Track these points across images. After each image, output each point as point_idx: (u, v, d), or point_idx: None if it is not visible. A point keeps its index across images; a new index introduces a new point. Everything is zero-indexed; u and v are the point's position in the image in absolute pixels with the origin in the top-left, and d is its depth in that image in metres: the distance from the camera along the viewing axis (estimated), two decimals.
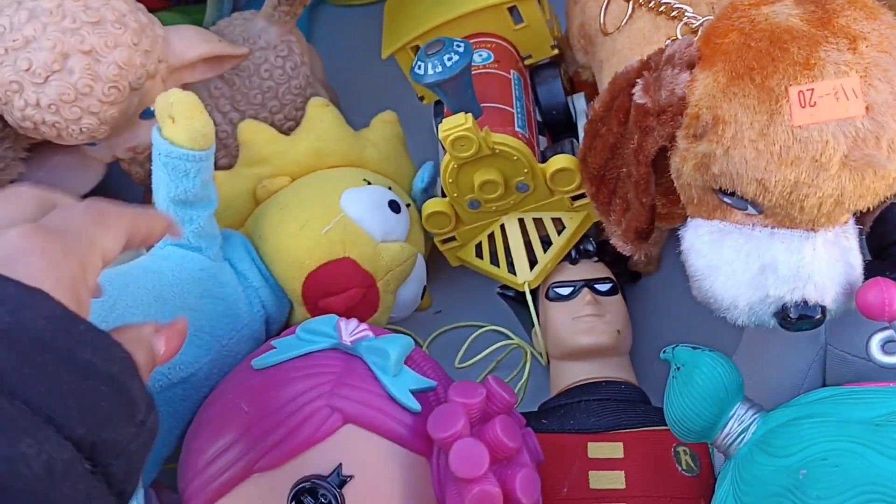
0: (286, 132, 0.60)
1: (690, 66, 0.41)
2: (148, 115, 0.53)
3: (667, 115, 0.41)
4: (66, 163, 0.57)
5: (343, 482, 0.43)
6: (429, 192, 0.60)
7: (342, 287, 0.52)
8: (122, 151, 0.55)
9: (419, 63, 0.52)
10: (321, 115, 0.59)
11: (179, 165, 0.48)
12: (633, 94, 0.43)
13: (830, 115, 0.36)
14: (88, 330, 0.28)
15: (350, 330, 0.48)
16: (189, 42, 0.54)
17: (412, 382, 0.46)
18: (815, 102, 0.36)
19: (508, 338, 0.60)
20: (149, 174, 0.60)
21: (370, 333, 0.48)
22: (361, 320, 0.54)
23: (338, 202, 0.54)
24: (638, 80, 0.43)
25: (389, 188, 0.58)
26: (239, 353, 0.52)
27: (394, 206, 0.56)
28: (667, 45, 0.43)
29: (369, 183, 0.57)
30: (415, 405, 0.45)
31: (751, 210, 0.41)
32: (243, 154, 0.57)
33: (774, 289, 0.40)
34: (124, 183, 0.62)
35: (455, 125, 0.51)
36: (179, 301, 0.49)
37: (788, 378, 0.50)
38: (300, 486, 0.43)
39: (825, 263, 0.40)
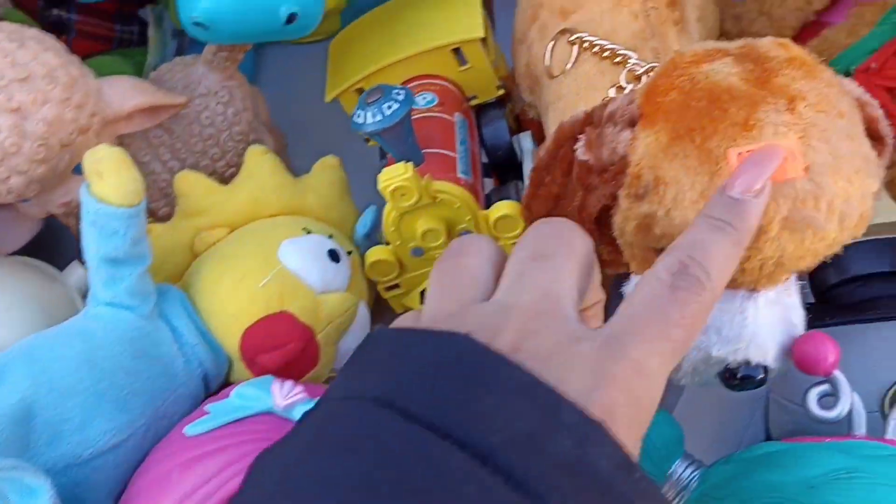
0: (229, 179, 0.58)
1: (632, 123, 0.40)
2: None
3: (609, 173, 0.40)
4: None
5: None
6: (372, 237, 0.59)
7: (280, 342, 0.51)
8: (56, 207, 0.53)
9: (358, 112, 0.51)
10: (259, 164, 0.57)
11: (108, 223, 0.46)
12: (575, 150, 0.42)
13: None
14: (643, 479, 0.24)
15: (285, 393, 0.46)
16: (123, 93, 0.52)
17: None
18: None
19: None
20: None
21: (306, 396, 0.46)
22: (302, 374, 0.53)
23: (275, 254, 0.53)
24: (580, 136, 0.42)
25: (330, 236, 0.56)
26: (175, 413, 0.50)
27: (333, 256, 0.54)
28: (609, 100, 0.42)
29: (309, 232, 0.55)
30: None
31: None
32: (181, 206, 0.55)
33: (717, 350, 0.39)
34: (61, 234, 0.60)
35: (394, 175, 0.50)
36: (112, 363, 0.47)
37: (731, 424, 0.49)
38: None
39: (767, 324, 0.39)
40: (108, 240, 0.46)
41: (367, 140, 0.64)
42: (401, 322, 0.31)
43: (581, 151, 0.42)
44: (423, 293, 0.58)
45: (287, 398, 0.46)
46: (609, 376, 0.25)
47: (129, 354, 0.48)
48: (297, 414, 0.45)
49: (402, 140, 0.52)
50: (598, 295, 0.33)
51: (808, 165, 0.36)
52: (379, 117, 0.50)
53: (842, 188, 0.36)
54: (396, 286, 0.58)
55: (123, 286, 0.48)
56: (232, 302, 0.51)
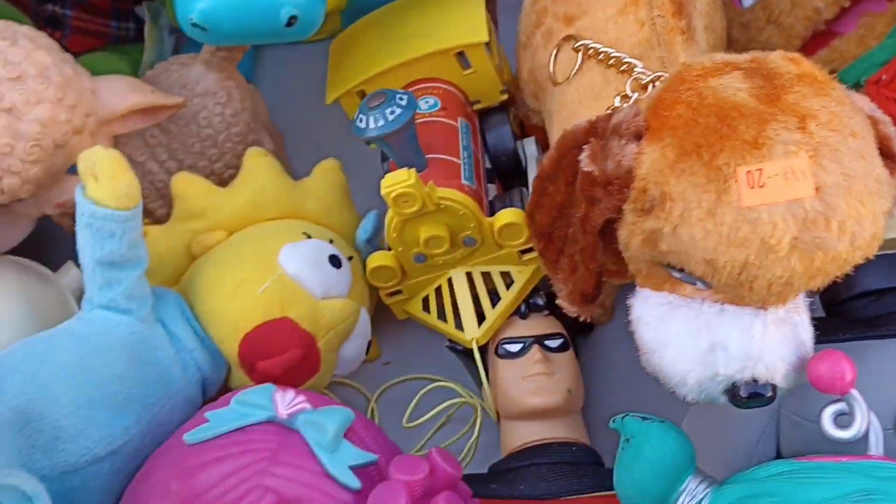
0: (227, 181, 0.57)
1: (638, 136, 0.39)
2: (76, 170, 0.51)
3: (614, 186, 0.40)
4: None
5: None
6: (373, 242, 0.58)
7: (280, 348, 0.50)
8: (50, 207, 0.52)
9: (360, 116, 0.50)
10: (258, 166, 0.56)
11: (104, 226, 0.45)
12: (579, 160, 0.42)
13: (779, 196, 0.35)
14: None
15: (287, 402, 0.46)
16: (119, 93, 0.51)
17: (352, 457, 0.44)
18: (763, 183, 0.35)
19: (459, 394, 0.58)
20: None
21: (308, 405, 0.46)
22: (302, 381, 0.52)
23: (275, 259, 0.52)
24: (584, 147, 0.41)
25: (331, 241, 0.55)
26: (173, 419, 0.49)
27: (334, 261, 0.54)
28: (613, 110, 0.41)
29: (309, 236, 0.54)
30: (354, 483, 0.43)
31: (700, 285, 0.39)
32: (177, 208, 0.55)
33: (724, 368, 0.39)
34: (55, 233, 0.60)
35: (397, 181, 0.49)
36: (106, 369, 0.46)
37: (742, 441, 0.49)
38: None
39: (775, 342, 0.38)
40: (103, 243, 0.46)
41: (369, 143, 0.63)
42: None
43: (585, 163, 0.41)
44: (425, 300, 0.58)
45: (289, 407, 0.45)
46: None
47: (125, 360, 0.47)
48: (299, 424, 0.44)
49: (405, 145, 0.51)
50: None
51: (819, 185, 0.35)
52: (381, 122, 0.49)
53: (854, 209, 0.35)
54: (398, 292, 0.58)
55: (120, 290, 0.48)
56: (231, 307, 0.51)
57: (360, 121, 0.50)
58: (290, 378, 0.50)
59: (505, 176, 0.61)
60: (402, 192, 0.49)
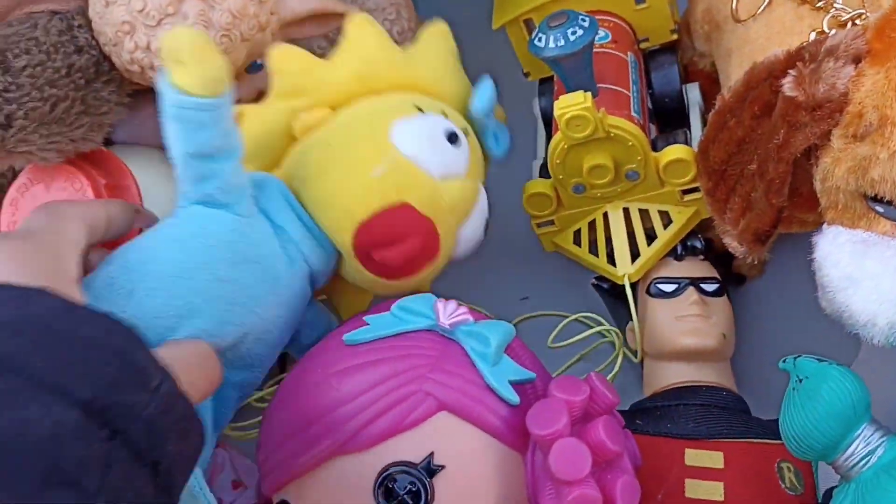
0: None
1: (856, 59, 0.37)
2: (255, 68, 0.51)
3: (823, 111, 0.38)
4: (154, 116, 0.56)
5: (433, 472, 0.41)
6: (489, 118, 0.54)
7: (399, 237, 0.47)
8: None
9: (540, 35, 0.49)
10: (363, 34, 0.51)
11: (192, 116, 0.41)
12: (780, 87, 0.40)
13: None
14: (88, 312, 0.31)
15: (448, 312, 0.45)
16: None
17: (511, 373, 0.44)
18: None
19: (600, 324, 0.57)
20: None
21: (469, 318, 0.45)
22: (420, 269, 0.49)
23: (387, 137, 0.47)
24: (789, 72, 0.40)
25: (444, 113, 0.50)
26: (279, 318, 0.46)
27: (452, 138, 0.49)
28: (825, 36, 0.40)
29: (421, 110, 0.49)
30: (513, 397, 0.43)
31: None
32: (276, 84, 0.50)
33: None
34: None
35: (572, 103, 0.48)
36: (207, 274, 0.43)
37: None
38: (388, 472, 0.41)
39: None
40: (193, 134, 0.42)
41: (527, 74, 0.63)
42: None
43: (789, 88, 0.40)
44: (577, 233, 0.57)
45: (451, 318, 0.45)
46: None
47: (226, 262, 0.44)
48: (460, 335, 0.44)
49: (581, 69, 0.50)
50: None
51: None
52: (562, 42, 0.48)
53: None
54: (551, 223, 0.57)
55: (216, 183, 0.44)
56: (343, 194, 0.47)
57: (539, 39, 0.49)
58: (409, 267, 0.48)
59: (664, 120, 0.60)
60: (577, 114, 0.48)
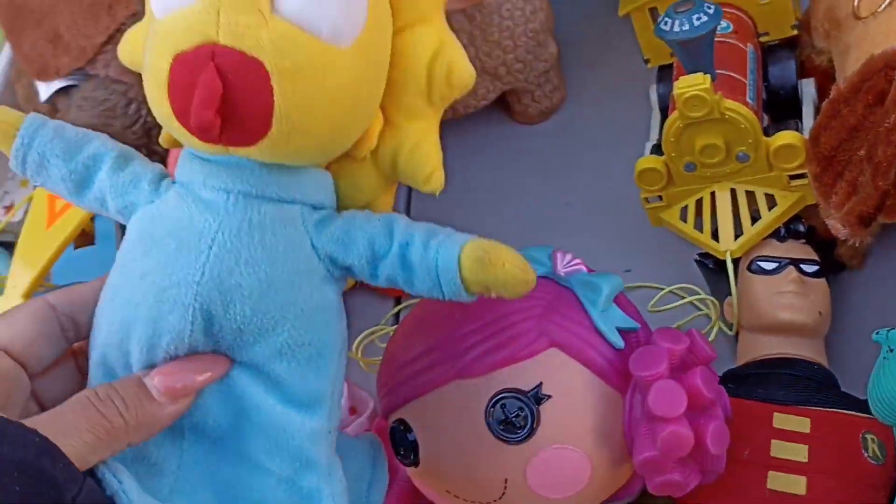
0: (515, 74, 0.61)
1: None
2: None
3: None
4: None
5: (541, 400, 0.46)
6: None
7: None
8: None
9: (666, 19, 0.53)
10: None
11: None
12: (894, 76, 0.43)
13: None
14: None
15: (565, 262, 0.50)
16: None
17: (619, 321, 0.48)
18: None
19: (697, 294, 0.60)
20: None
21: (583, 268, 0.50)
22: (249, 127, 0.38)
23: None
24: None
25: None
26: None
27: None
28: None
29: None
30: (619, 341, 0.47)
31: None
32: None
33: None
34: None
35: (692, 84, 0.52)
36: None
37: None
38: (500, 396, 0.46)
39: None
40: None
41: (647, 61, 0.66)
42: None
43: None
44: (683, 209, 0.60)
45: (566, 267, 0.49)
46: None
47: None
48: (574, 282, 0.48)
49: (702, 54, 0.54)
50: None
51: None
52: (686, 26, 0.52)
53: None
54: (659, 198, 0.61)
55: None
56: None
57: (665, 23, 0.53)
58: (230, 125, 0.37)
59: (778, 112, 0.63)
60: (695, 94, 0.52)
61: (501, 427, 0.46)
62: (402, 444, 0.49)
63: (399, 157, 0.44)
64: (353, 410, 0.61)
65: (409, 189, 0.73)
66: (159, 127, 0.60)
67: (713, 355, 0.48)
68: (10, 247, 0.72)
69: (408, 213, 0.72)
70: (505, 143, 0.73)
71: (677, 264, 0.63)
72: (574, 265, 0.49)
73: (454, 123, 0.70)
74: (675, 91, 0.53)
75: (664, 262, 0.66)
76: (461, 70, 0.44)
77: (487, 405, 0.46)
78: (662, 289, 0.63)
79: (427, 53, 0.43)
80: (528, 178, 0.71)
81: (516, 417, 0.46)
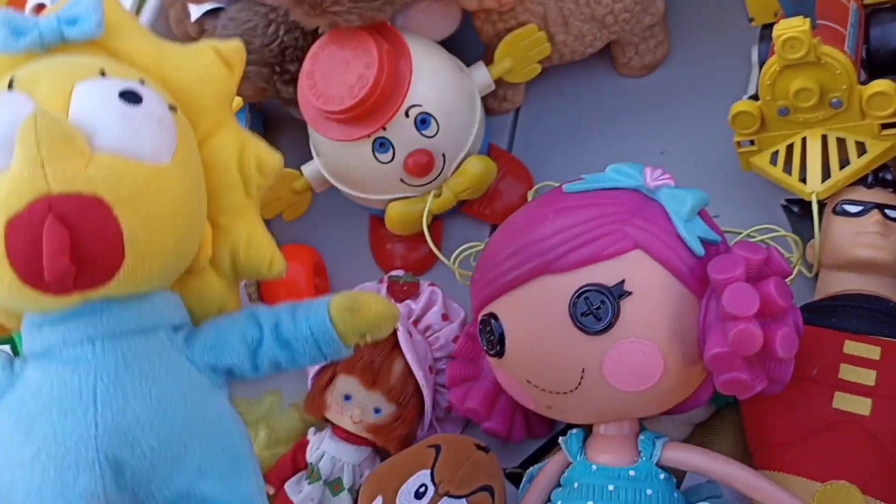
0: (622, 24, 0.65)
1: None
2: None
3: None
4: (431, 8, 0.67)
5: (622, 295, 0.50)
6: None
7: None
8: (491, 1, 0.63)
9: None
10: None
11: None
12: None
13: None
14: None
15: (655, 176, 0.53)
16: None
17: (701, 231, 0.51)
18: None
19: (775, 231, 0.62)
20: (497, 34, 0.69)
21: (671, 182, 0.53)
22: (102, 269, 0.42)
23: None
24: None
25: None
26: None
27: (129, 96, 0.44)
28: None
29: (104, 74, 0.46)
30: (699, 249, 0.50)
31: None
32: None
33: None
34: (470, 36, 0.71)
35: (791, 25, 0.55)
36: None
37: None
38: (585, 289, 0.50)
39: None
40: None
41: (751, 20, 0.69)
42: None
43: None
44: (774, 154, 0.63)
45: (656, 180, 0.53)
46: None
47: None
48: (661, 195, 0.52)
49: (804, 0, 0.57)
50: None
51: None
52: None
53: None
54: (751, 143, 0.64)
55: None
56: None
57: None
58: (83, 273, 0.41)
59: (876, 72, 0.65)
60: (793, 35, 0.55)
61: (583, 317, 0.50)
62: (490, 334, 0.54)
63: (237, 257, 0.48)
64: (444, 317, 0.66)
65: (513, 129, 0.78)
66: (293, 47, 0.67)
67: (789, 270, 0.51)
68: None
69: (510, 150, 0.77)
70: (606, 93, 0.77)
71: (766, 210, 0.66)
72: (663, 179, 0.53)
73: (561, 67, 0.74)
74: (775, 33, 0.56)
75: (753, 208, 0.68)
76: (268, 158, 0.49)
77: (572, 298, 0.50)
78: (736, 232, 0.65)
79: (234, 154, 0.47)
80: (627, 126, 0.75)
81: (598, 309, 0.50)
